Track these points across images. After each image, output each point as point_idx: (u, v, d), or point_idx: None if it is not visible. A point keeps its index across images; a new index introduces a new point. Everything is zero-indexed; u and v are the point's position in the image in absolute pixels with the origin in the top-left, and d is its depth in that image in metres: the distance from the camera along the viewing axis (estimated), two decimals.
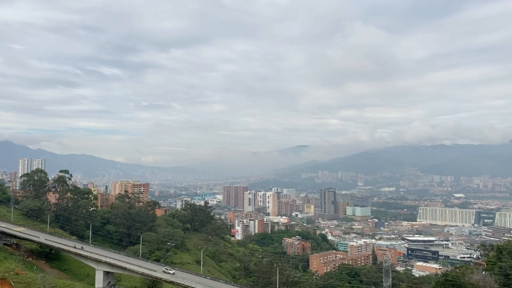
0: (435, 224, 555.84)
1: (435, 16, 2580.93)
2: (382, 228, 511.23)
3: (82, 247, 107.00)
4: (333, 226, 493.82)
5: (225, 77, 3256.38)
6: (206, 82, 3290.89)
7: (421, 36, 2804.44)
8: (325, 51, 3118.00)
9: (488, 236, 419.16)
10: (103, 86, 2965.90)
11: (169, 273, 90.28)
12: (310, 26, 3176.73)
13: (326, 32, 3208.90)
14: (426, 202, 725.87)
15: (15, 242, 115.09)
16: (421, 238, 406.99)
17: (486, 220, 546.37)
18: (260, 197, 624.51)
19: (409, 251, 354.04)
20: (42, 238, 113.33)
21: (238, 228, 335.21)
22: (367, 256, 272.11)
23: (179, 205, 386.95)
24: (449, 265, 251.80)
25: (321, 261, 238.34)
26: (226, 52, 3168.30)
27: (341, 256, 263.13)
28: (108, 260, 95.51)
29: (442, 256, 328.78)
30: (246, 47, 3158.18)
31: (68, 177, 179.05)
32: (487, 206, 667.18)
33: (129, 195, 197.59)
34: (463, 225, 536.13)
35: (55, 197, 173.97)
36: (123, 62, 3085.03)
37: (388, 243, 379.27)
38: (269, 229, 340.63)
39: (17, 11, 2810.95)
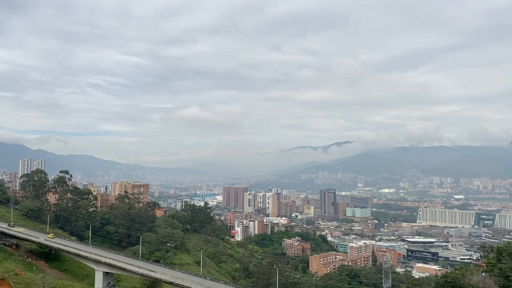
0: (435, 226, 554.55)
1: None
2: (382, 229, 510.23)
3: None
4: (333, 227, 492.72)
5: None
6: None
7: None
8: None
9: (488, 238, 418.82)
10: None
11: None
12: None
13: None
14: (426, 204, 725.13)
15: (14, 242, 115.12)
16: (421, 239, 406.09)
17: (486, 222, 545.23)
18: (260, 198, 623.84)
19: (409, 252, 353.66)
20: (42, 238, 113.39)
21: (238, 229, 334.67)
22: (367, 257, 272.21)
23: (179, 206, 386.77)
24: (449, 267, 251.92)
25: (321, 262, 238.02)
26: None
27: (341, 257, 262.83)
28: (107, 260, 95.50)
29: (442, 257, 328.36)
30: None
31: (68, 178, 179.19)
32: (487, 208, 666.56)
33: (129, 196, 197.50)
34: (463, 227, 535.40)
35: (55, 197, 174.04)
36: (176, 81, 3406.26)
37: (388, 244, 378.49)
38: (269, 230, 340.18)
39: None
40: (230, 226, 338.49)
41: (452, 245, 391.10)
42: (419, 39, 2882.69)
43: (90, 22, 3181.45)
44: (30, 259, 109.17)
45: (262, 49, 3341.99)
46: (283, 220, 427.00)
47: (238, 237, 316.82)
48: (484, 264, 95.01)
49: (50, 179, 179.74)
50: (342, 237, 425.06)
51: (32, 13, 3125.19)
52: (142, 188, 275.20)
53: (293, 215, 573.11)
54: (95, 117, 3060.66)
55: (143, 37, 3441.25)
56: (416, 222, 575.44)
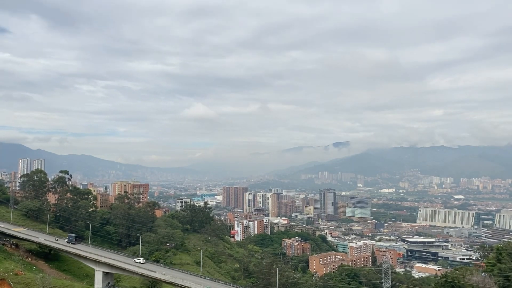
0: (435, 226, 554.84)
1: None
2: (381, 229, 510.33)
3: None
4: (332, 227, 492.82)
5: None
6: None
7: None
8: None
9: (487, 238, 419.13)
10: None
11: None
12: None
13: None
14: (425, 204, 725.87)
15: (14, 242, 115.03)
16: (421, 239, 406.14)
17: (485, 222, 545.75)
18: (260, 198, 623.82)
19: (409, 252, 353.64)
20: (42, 238, 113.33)
21: (238, 229, 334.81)
22: (366, 257, 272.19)
23: (178, 206, 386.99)
24: (448, 267, 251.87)
25: (321, 262, 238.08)
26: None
27: (341, 257, 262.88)
28: (107, 260, 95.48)
29: (441, 257, 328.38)
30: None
31: (68, 178, 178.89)
32: (486, 208, 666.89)
33: (129, 196, 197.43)
34: (463, 227, 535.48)
35: (55, 197, 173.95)
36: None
37: (387, 244, 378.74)
38: (269, 230, 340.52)
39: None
40: (230, 226, 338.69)
41: (452, 245, 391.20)
42: (428, 51, 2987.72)
43: (130, 39, 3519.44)
44: (30, 259, 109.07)
45: (282, 61, 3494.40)
46: (283, 220, 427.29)
47: (238, 237, 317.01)
48: (484, 264, 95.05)
49: (49, 179, 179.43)
50: (342, 237, 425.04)
51: (79, 27, 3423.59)
52: (142, 188, 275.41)
53: (293, 215, 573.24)
54: (109, 119, 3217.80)
55: (177, 51, 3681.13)
56: (416, 222, 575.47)
